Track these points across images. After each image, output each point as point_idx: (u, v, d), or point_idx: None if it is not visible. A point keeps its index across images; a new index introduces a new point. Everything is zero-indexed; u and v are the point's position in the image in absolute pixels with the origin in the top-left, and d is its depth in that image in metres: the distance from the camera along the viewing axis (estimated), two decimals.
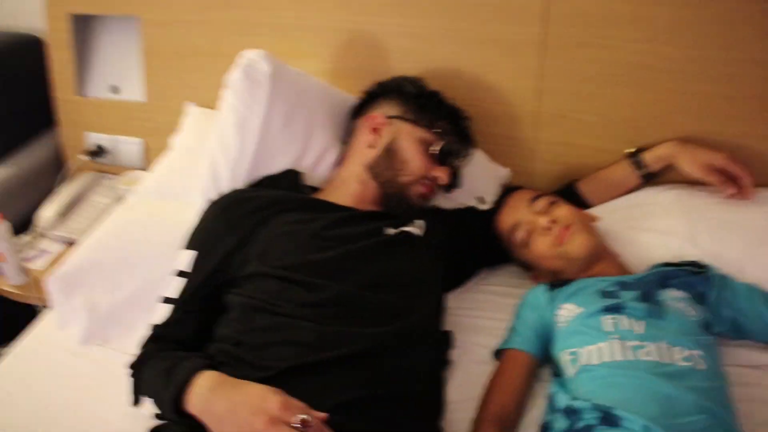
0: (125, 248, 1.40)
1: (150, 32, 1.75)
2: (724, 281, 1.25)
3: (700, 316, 1.16)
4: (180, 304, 1.17)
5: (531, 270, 1.41)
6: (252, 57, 1.42)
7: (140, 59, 1.79)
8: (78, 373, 1.30)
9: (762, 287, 1.26)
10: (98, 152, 1.88)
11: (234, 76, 1.40)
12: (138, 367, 1.11)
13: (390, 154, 1.34)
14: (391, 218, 1.32)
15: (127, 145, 1.87)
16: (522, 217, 1.35)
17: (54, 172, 1.92)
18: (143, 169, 1.87)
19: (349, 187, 1.36)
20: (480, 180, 1.55)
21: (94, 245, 1.43)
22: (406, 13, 1.55)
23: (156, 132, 1.83)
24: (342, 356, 1.03)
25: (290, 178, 1.39)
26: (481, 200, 1.49)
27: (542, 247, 1.32)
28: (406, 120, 1.37)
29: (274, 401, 0.89)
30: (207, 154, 1.41)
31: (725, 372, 1.13)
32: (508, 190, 1.48)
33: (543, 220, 1.30)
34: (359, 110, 1.47)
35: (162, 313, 1.17)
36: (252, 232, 1.22)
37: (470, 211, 1.48)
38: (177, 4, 1.69)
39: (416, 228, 1.30)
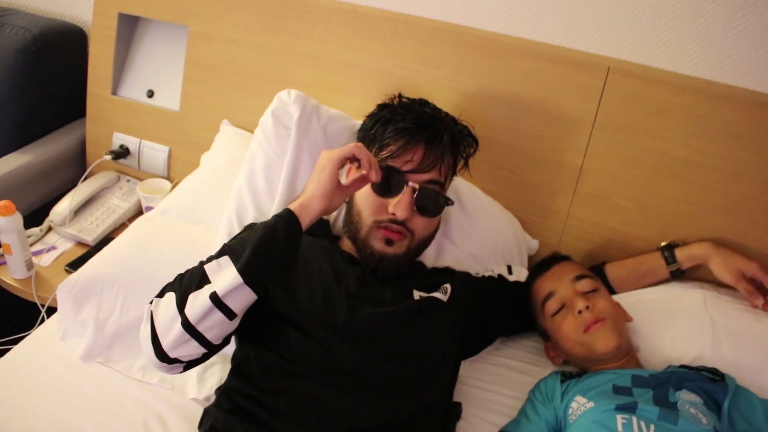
0: (142, 267, 1.36)
1: (196, 43, 1.72)
2: (741, 392, 1.22)
3: (711, 426, 1.13)
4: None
5: (548, 340, 1.39)
6: (284, 98, 1.40)
7: (181, 69, 1.76)
8: (73, 389, 1.24)
9: None
10: (122, 153, 1.85)
11: (264, 118, 1.38)
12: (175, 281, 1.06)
13: (348, 208, 1.29)
14: (415, 275, 1.29)
15: (152, 151, 1.83)
16: (562, 289, 1.33)
17: (75, 167, 1.89)
18: (165, 177, 1.84)
19: (344, 240, 1.34)
20: (510, 245, 1.54)
21: (111, 258, 1.39)
22: (461, 69, 1.54)
23: (184, 143, 1.81)
24: (359, 430, 1.01)
25: (318, 226, 1.35)
26: (509, 270, 1.46)
27: (568, 328, 1.29)
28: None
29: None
30: (234, 189, 1.38)
31: None
32: (555, 258, 1.44)
33: (580, 303, 1.28)
34: None
35: None
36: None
37: (497, 280, 1.44)
38: (228, 21, 1.67)
39: (442, 293, 1.27)
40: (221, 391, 1.13)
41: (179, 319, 0.97)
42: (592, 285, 1.32)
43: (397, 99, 1.36)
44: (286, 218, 1.00)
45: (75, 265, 1.56)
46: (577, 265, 1.40)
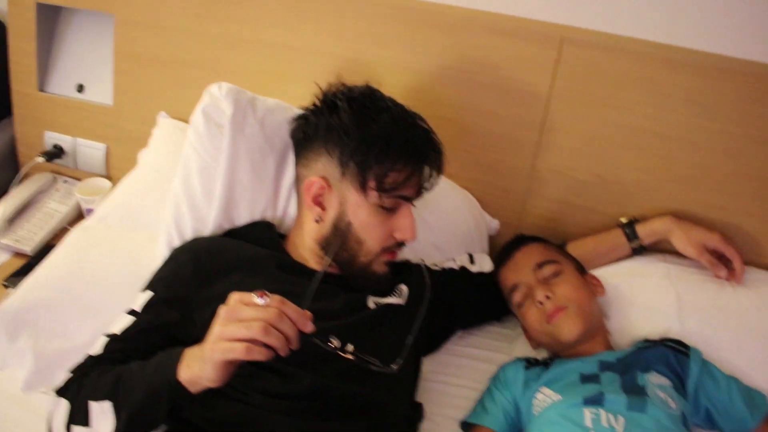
0: (80, 286, 1.27)
1: (123, 33, 1.61)
2: (706, 369, 1.21)
3: (679, 410, 1.12)
4: (121, 340, 1.06)
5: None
6: (215, 94, 1.30)
7: (110, 60, 1.65)
8: (13, 423, 1.17)
9: (742, 380, 1.23)
10: (56, 153, 1.74)
11: (195, 118, 1.29)
12: (73, 384, 1.00)
13: (341, 233, 1.15)
14: None
15: (88, 149, 1.73)
16: (524, 280, 1.29)
17: (6, 171, 1.77)
18: (105, 176, 1.74)
19: (308, 253, 1.22)
20: (470, 229, 1.49)
21: (45, 280, 1.30)
22: (410, 48, 1.45)
23: (121, 138, 1.71)
24: None
25: (262, 230, 1.28)
26: (471, 259, 1.41)
27: (532, 319, 1.27)
28: (351, 183, 1.13)
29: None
30: (170, 197, 1.30)
31: None
32: (517, 242, 1.38)
33: (540, 294, 1.24)
34: (297, 150, 1.26)
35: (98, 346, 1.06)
36: (225, 292, 1.04)
37: (459, 272, 1.39)
38: (157, 7, 1.55)
39: (398, 296, 1.22)
40: (169, 423, 1.07)
41: None
42: (554, 270, 1.28)
43: (337, 87, 1.23)
44: (172, 387, 0.89)
45: (14, 279, 1.47)
46: (540, 247, 1.35)
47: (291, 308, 0.83)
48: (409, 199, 1.17)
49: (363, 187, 1.12)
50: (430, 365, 1.33)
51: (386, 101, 1.18)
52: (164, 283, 1.14)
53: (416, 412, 1.21)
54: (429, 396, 1.27)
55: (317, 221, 1.18)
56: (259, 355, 0.81)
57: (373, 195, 1.13)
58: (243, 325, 0.81)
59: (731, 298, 1.34)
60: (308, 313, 0.84)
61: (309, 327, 0.84)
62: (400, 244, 1.20)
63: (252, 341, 0.80)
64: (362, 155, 1.11)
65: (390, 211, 1.15)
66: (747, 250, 1.40)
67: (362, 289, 1.19)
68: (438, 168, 1.19)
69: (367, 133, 1.12)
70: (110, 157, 1.74)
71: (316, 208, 1.17)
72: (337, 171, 1.14)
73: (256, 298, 0.83)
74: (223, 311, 0.84)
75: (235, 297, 0.85)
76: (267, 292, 0.83)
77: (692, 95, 1.35)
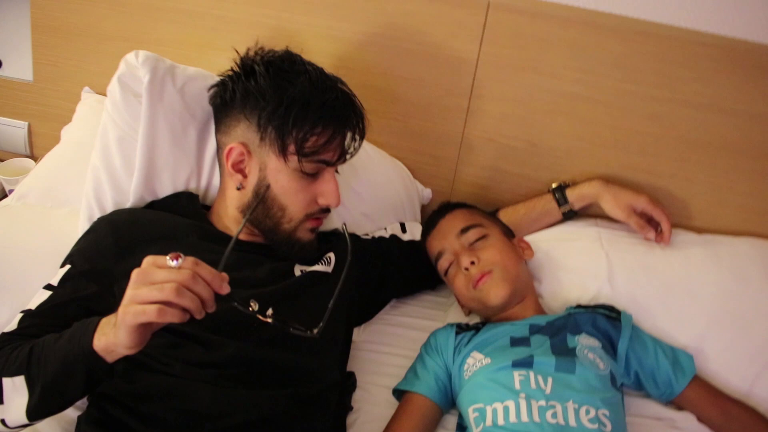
0: (1, 267, 1.22)
1: (41, 4, 1.54)
2: (635, 334, 1.23)
3: (608, 370, 1.13)
4: (36, 315, 1.02)
5: None
6: (131, 62, 1.26)
7: (28, 34, 1.58)
8: None
9: (670, 340, 1.26)
10: None
11: (111, 87, 1.25)
12: None
13: (263, 200, 1.13)
14: None
15: (9, 128, 1.67)
16: (448, 246, 1.28)
17: None
18: (29, 156, 1.68)
19: (232, 223, 1.19)
20: (401, 198, 1.48)
21: None
22: (335, 14, 1.43)
23: (44, 116, 1.65)
24: (238, 425, 0.94)
25: (186, 201, 1.25)
26: (403, 228, 1.40)
27: (459, 285, 1.26)
28: (270, 148, 1.11)
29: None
30: (90, 169, 1.25)
31: (628, 428, 1.11)
32: (442, 210, 1.37)
33: (465, 260, 1.23)
34: (216, 117, 1.23)
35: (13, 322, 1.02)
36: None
37: (389, 240, 1.38)
38: None
39: (325, 264, 1.20)
40: (90, 398, 1.04)
41: None
42: (478, 234, 1.27)
43: (256, 52, 1.19)
44: (87, 357, 0.85)
45: None
46: (465, 213, 1.34)
47: (205, 270, 0.80)
48: (330, 164, 1.14)
49: (282, 152, 1.10)
50: (363, 335, 1.32)
51: (305, 65, 1.15)
52: (83, 255, 1.11)
53: (349, 381, 1.21)
54: (362, 365, 1.26)
55: (239, 189, 1.15)
56: (173, 317, 0.78)
57: (293, 160, 1.10)
58: (155, 287, 0.78)
59: (659, 260, 1.35)
60: (224, 275, 0.82)
61: (224, 288, 0.81)
62: (325, 211, 1.18)
63: (165, 303, 0.77)
64: (280, 119, 1.08)
65: (312, 176, 1.13)
66: (674, 212, 1.42)
67: (288, 257, 1.17)
68: (360, 132, 1.17)
69: (284, 96, 1.09)
70: (33, 136, 1.68)
71: (237, 175, 1.14)
72: (256, 136, 1.11)
73: (169, 261, 0.80)
74: (135, 274, 0.81)
75: (148, 260, 0.82)
76: (181, 254, 0.80)
77: (618, 59, 1.35)
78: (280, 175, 1.11)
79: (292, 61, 1.15)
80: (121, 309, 0.80)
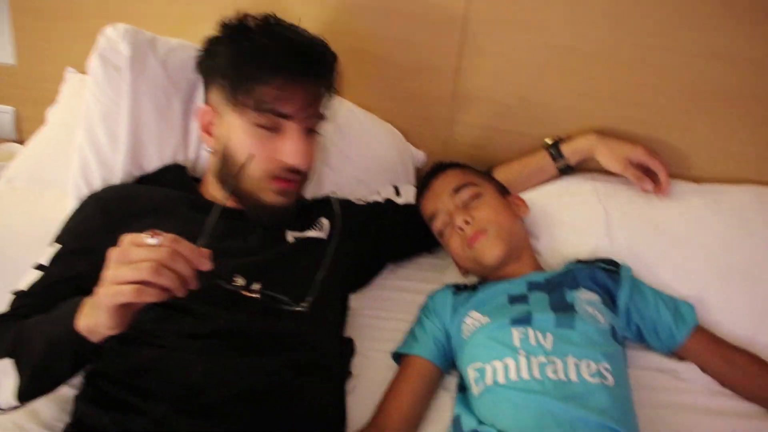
0: None
1: None
2: (635, 286, 1.22)
3: (608, 324, 1.12)
4: (28, 295, 1.01)
5: None
6: (111, 36, 1.24)
7: (7, 16, 1.55)
8: None
9: (670, 291, 1.25)
10: None
11: (92, 63, 1.23)
12: None
13: (227, 160, 1.09)
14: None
15: None
16: (442, 207, 1.26)
17: None
18: (15, 140, 1.66)
19: (218, 191, 1.17)
20: (394, 161, 1.46)
21: None
22: None
23: (29, 99, 1.62)
24: (234, 395, 0.93)
25: (174, 173, 1.24)
26: (397, 191, 1.38)
27: (455, 245, 1.25)
28: (228, 105, 1.09)
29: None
30: (76, 149, 1.24)
31: (630, 381, 1.10)
32: (434, 171, 1.35)
33: (459, 219, 1.21)
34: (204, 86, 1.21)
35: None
36: None
37: (384, 205, 1.36)
38: None
39: (318, 229, 1.19)
40: (86, 376, 1.03)
41: None
42: (471, 192, 1.25)
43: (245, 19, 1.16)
44: (72, 338, 0.84)
45: None
46: (457, 172, 1.32)
47: (185, 246, 0.77)
48: (289, 117, 1.09)
49: (236, 106, 1.07)
50: (361, 300, 1.31)
51: (282, 26, 1.13)
52: (72, 233, 1.10)
53: (347, 347, 1.20)
54: (361, 331, 1.25)
55: (210, 152, 1.14)
56: (151, 296, 0.75)
57: (251, 114, 1.06)
58: (132, 266, 0.75)
59: (658, 212, 1.34)
60: (204, 251, 0.79)
61: (206, 265, 0.78)
62: (294, 172, 1.11)
63: (143, 283, 0.75)
64: (233, 70, 1.06)
65: (270, 130, 1.08)
66: (672, 163, 1.39)
67: (263, 224, 1.14)
68: (327, 83, 1.13)
69: (239, 49, 1.07)
70: (20, 120, 1.66)
71: (210, 139, 1.13)
72: (222, 97, 1.09)
73: (147, 239, 0.77)
74: (113, 254, 0.78)
75: (126, 239, 0.79)
76: (159, 231, 0.78)
77: (608, 9, 1.32)
78: (238, 131, 1.08)
79: (267, 22, 1.13)
80: (100, 290, 0.78)
